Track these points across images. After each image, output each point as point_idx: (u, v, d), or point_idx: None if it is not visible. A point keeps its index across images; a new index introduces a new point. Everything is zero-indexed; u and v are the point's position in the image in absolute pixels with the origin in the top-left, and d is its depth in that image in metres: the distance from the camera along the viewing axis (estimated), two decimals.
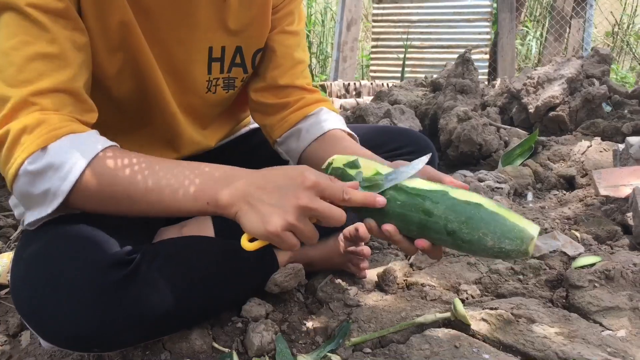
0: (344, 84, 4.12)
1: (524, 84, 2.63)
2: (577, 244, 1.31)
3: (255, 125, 1.32)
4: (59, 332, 0.76)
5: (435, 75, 3.21)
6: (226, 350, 0.94)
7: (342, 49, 5.12)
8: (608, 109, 2.60)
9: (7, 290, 1.20)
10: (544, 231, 1.45)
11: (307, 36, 6.18)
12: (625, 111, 2.49)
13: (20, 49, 0.78)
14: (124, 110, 1.02)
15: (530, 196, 1.87)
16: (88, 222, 0.84)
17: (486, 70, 4.89)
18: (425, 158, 0.83)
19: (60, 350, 0.82)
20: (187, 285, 0.87)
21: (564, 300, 1.06)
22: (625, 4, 6.35)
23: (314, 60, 6.33)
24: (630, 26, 6.56)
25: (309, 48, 6.29)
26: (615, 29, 6.50)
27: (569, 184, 1.95)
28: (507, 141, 2.41)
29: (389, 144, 1.21)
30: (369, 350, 0.94)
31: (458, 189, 0.76)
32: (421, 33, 5.13)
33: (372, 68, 5.52)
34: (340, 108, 3.28)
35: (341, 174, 0.85)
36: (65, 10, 0.81)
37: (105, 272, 0.77)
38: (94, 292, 0.76)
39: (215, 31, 1.02)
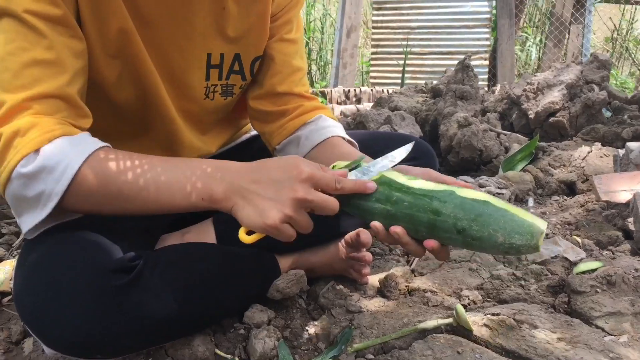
0: (344, 90, 4.13)
1: (524, 90, 2.63)
2: (578, 249, 1.31)
3: (256, 132, 1.33)
4: (62, 339, 0.76)
5: (435, 82, 3.22)
6: (229, 356, 0.95)
7: (342, 55, 5.14)
8: (608, 114, 2.60)
9: (9, 297, 1.20)
10: (545, 237, 1.45)
11: (307, 43, 6.20)
12: (625, 117, 2.50)
13: (17, 55, 0.78)
14: (124, 117, 1.02)
15: (531, 202, 1.87)
16: (90, 229, 0.85)
17: (486, 76, 4.91)
18: (409, 146, 0.87)
19: (63, 357, 0.82)
20: (190, 292, 0.87)
21: (565, 306, 1.06)
22: (624, 10, 6.38)
23: (313, 67, 6.35)
24: (629, 32, 6.58)
25: (309, 55, 6.30)
26: (614, 35, 6.52)
27: (570, 189, 1.95)
28: (507, 147, 2.42)
29: (390, 150, 1.21)
30: (371, 356, 0.94)
31: (463, 188, 0.77)
32: (421, 39, 5.15)
33: (372, 74, 5.54)
34: (340, 114, 3.29)
35: None
36: (63, 17, 0.81)
37: (108, 278, 0.78)
38: (96, 298, 0.76)
39: (214, 38, 1.03)
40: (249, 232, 0.79)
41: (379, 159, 0.87)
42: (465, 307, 1.09)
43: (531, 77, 2.71)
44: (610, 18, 6.40)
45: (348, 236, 1.13)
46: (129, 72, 0.95)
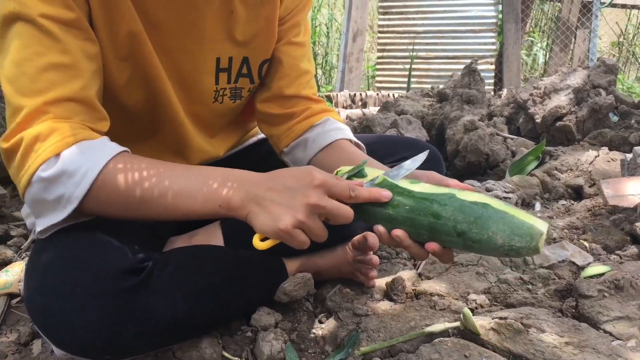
0: (350, 94, 4.13)
1: (531, 94, 2.63)
2: (586, 253, 1.31)
3: (264, 135, 1.33)
4: (72, 340, 0.77)
5: (441, 86, 3.22)
6: (236, 359, 0.95)
7: (348, 59, 5.14)
8: (615, 119, 2.59)
9: (18, 299, 1.21)
10: (552, 241, 1.44)
11: (312, 47, 6.21)
12: (633, 121, 2.49)
13: (33, 60, 0.79)
14: (134, 119, 1.03)
15: (538, 206, 1.87)
16: (100, 230, 0.85)
17: (492, 81, 4.90)
18: (423, 155, 0.86)
19: (72, 358, 0.83)
20: (197, 294, 0.88)
21: (573, 310, 1.06)
22: (630, 15, 6.36)
23: (319, 71, 6.36)
24: (636, 36, 6.56)
25: (314, 59, 6.30)
26: (621, 40, 6.50)
27: (577, 193, 1.95)
28: (514, 151, 2.41)
29: (397, 153, 1.22)
30: (378, 359, 0.94)
31: (464, 191, 0.77)
32: (427, 44, 5.15)
33: (377, 79, 5.53)
34: (346, 118, 3.29)
35: None
36: (76, 20, 0.82)
37: (118, 280, 0.78)
38: (106, 299, 0.77)
39: (223, 42, 1.03)
40: (264, 239, 0.80)
41: (393, 169, 0.86)
42: (472, 310, 1.09)
43: (538, 81, 2.70)
44: (616, 23, 6.39)
45: (355, 239, 1.13)
46: (138, 75, 0.96)
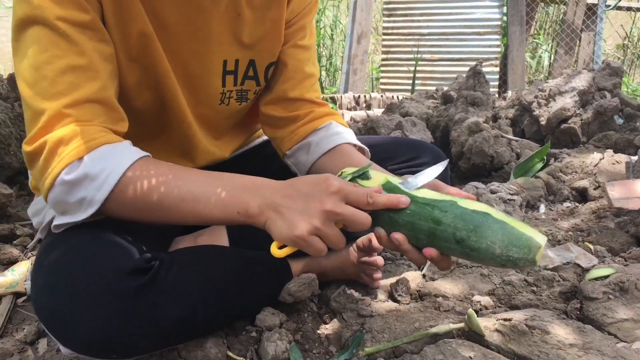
0: (354, 96, 4.13)
1: (535, 96, 2.63)
2: (590, 255, 1.30)
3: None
4: (79, 338, 0.77)
5: (446, 88, 3.22)
6: (241, 359, 0.95)
7: (352, 61, 5.15)
8: (620, 121, 2.59)
9: (24, 298, 1.21)
10: (557, 243, 1.44)
11: (317, 49, 6.21)
12: (638, 124, 2.49)
13: (52, 63, 0.80)
14: (142, 120, 1.04)
15: (542, 208, 1.87)
16: (107, 230, 0.86)
17: (496, 83, 4.89)
18: (443, 164, 0.85)
19: (79, 357, 0.83)
20: (203, 293, 0.88)
21: (578, 312, 1.06)
22: (635, 17, 6.34)
23: (323, 73, 6.37)
24: None
25: (318, 61, 6.31)
26: (626, 42, 6.48)
27: (582, 196, 1.95)
28: (518, 153, 2.41)
29: (403, 155, 1.22)
30: None
31: (466, 200, 0.77)
32: (431, 46, 5.15)
33: (382, 81, 5.54)
34: (350, 120, 3.29)
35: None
36: (91, 22, 0.83)
37: (125, 279, 0.79)
38: (113, 298, 0.78)
39: (229, 44, 1.04)
40: (282, 247, 0.80)
41: (412, 177, 0.85)
42: (476, 312, 1.09)
43: (542, 83, 2.70)
44: (621, 25, 6.37)
45: (360, 241, 1.14)
46: (148, 76, 0.96)
